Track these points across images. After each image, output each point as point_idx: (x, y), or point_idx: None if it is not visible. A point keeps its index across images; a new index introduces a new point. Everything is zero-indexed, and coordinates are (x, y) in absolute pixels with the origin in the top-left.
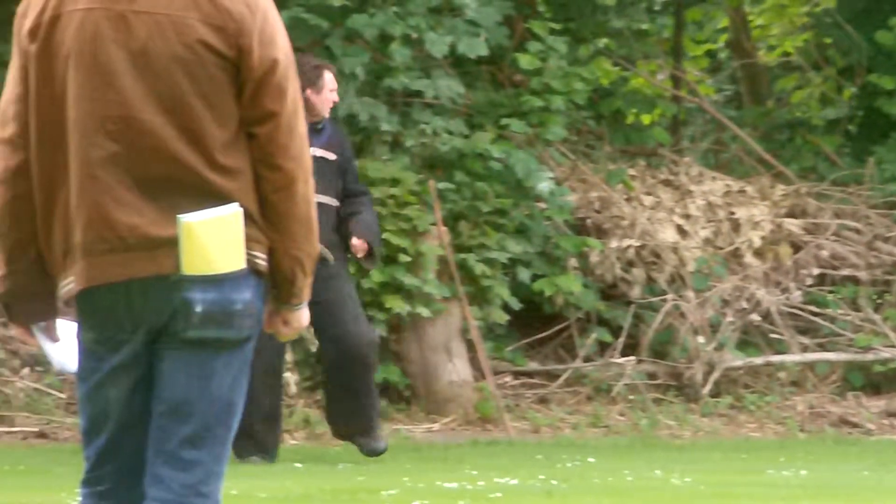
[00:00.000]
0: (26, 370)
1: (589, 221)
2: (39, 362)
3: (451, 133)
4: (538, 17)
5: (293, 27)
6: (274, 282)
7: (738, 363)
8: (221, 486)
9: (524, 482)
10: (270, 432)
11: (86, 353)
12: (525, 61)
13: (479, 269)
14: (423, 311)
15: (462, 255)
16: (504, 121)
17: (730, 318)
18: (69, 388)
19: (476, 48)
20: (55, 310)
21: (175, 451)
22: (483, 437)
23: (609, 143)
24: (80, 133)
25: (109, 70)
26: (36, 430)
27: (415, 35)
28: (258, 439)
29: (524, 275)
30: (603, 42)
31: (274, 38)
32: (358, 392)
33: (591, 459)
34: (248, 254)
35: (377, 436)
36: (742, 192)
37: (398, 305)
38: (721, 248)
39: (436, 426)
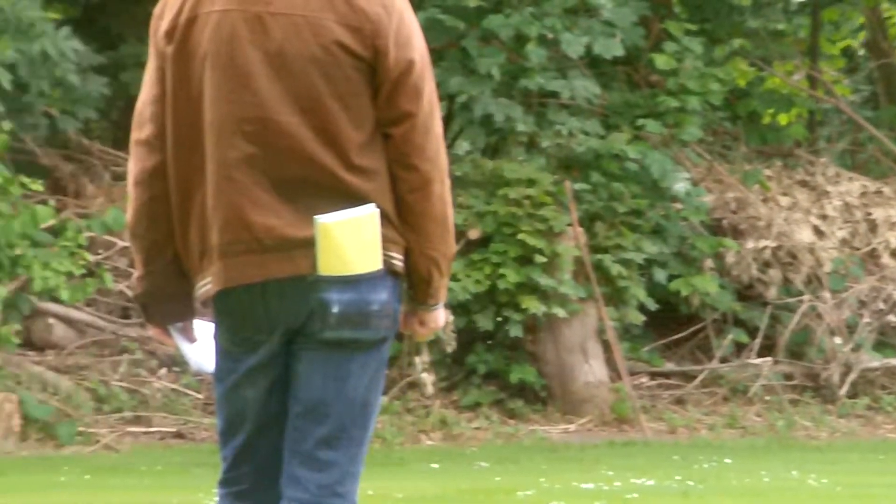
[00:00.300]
0: (164, 371)
1: (725, 222)
2: (177, 363)
3: (587, 134)
4: (674, 17)
5: (429, 28)
6: (410, 282)
7: (875, 364)
8: (357, 486)
9: (660, 483)
10: None
11: (223, 353)
12: (661, 62)
13: (616, 269)
14: (560, 312)
15: (598, 256)
16: (640, 121)
17: (866, 319)
18: (206, 388)
19: (612, 49)
20: (192, 311)
21: (311, 452)
22: (619, 438)
23: (745, 143)
24: (217, 135)
25: (246, 72)
26: (173, 430)
27: (550, 35)
28: None
29: (660, 275)
30: (739, 42)
31: (410, 39)
32: None
33: (727, 460)
34: (385, 254)
35: None
36: (879, 192)
37: (534, 306)
38: (858, 249)
39: (572, 427)
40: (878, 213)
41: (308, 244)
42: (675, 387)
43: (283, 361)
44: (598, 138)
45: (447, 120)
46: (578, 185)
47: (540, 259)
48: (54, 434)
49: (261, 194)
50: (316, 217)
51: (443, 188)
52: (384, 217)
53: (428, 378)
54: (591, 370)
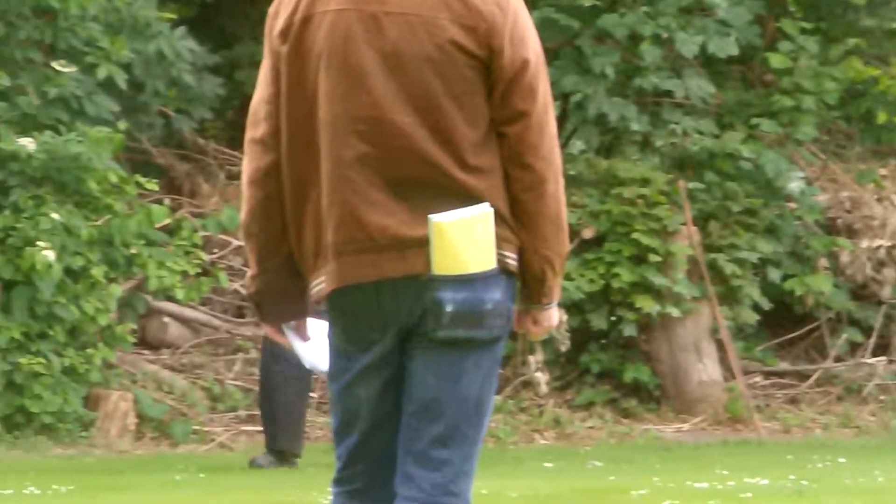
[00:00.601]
0: None
1: (839, 221)
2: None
3: (701, 133)
4: (789, 16)
5: (544, 27)
6: (524, 281)
7: None
8: (471, 485)
9: (774, 482)
10: (295, 437)
11: (336, 353)
12: (776, 61)
13: (730, 268)
14: (673, 311)
15: (712, 255)
16: (754, 120)
17: None
18: (320, 387)
19: (726, 48)
20: (306, 309)
21: (425, 451)
22: (733, 437)
23: (859, 142)
24: (332, 134)
25: (361, 71)
26: None
27: (665, 35)
28: (278, 445)
29: (774, 274)
30: (854, 41)
31: (525, 38)
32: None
33: (841, 460)
34: (499, 253)
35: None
36: None
37: (648, 305)
38: None
39: (685, 426)
40: None
41: (422, 243)
42: (788, 386)
43: (397, 360)
44: (713, 137)
45: (561, 119)
46: (692, 185)
47: (654, 258)
48: (169, 433)
49: (375, 194)
50: (430, 216)
51: (557, 187)
52: (498, 216)
53: (542, 377)
54: (705, 369)
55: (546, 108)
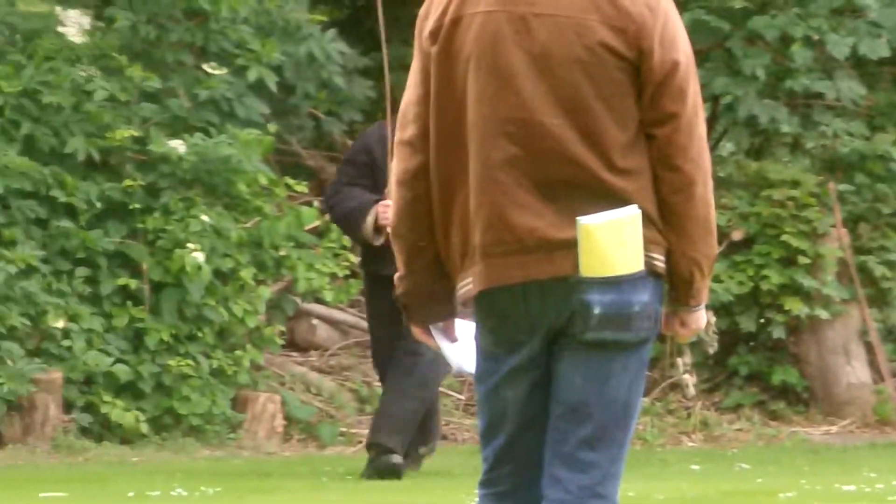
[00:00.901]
0: None
1: None
2: None
3: (851, 135)
4: None
5: (694, 29)
6: (671, 283)
7: None
8: (618, 487)
9: None
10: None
11: (484, 354)
12: None
13: (880, 271)
14: (822, 314)
15: (862, 258)
16: None
17: None
18: (468, 389)
19: (878, 49)
20: (453, 310)
21: (573, 453)
22: (881, 440)
23: None
24: (481, 135)
25: (510, 73)
26: None
27: (816, 36)
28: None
29: None
30: None
31: (675, 39)
32: (401, 398)
33: None
34: (647, 255)
35: (396, 455)
36: None
37: (797, 307)
38: None
39: (834, 428)
40: None
41: (570, 245)
42: None
43: (544, 362)
44: (863, 139)
45: (711, 121)
46: (842, 187)
47: (803, 260)
48: (316, 435)
49: (523, 195)
50: (578, 218)
51: (705, 189)
52: (646, 218)
53: (690, 380)
54: (854, 372)
55: (696, 110)
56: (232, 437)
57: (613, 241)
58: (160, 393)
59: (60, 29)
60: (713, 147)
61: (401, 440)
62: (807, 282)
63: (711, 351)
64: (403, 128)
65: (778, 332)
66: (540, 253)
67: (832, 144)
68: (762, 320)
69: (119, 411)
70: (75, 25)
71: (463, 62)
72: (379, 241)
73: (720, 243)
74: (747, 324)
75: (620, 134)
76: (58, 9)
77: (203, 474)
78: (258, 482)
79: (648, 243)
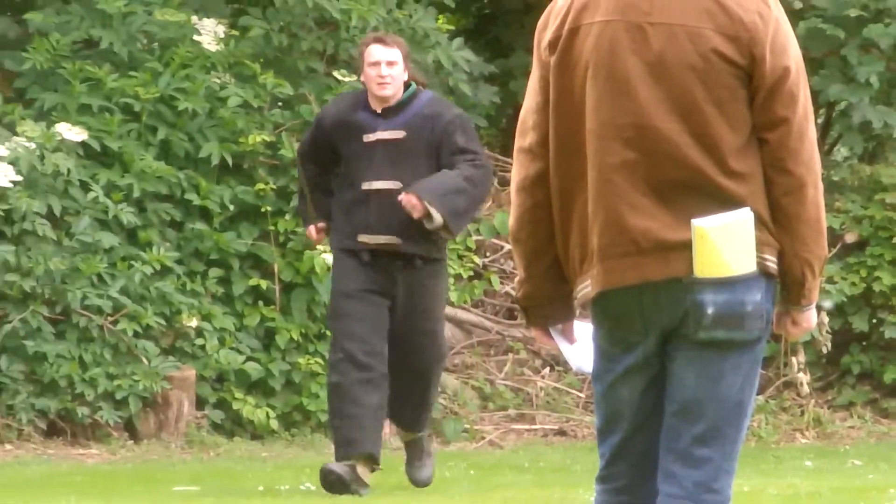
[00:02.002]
0: (547, 370)
1: None
2: (559, 362)
3: None
4: None
5: (810, 37)
6: (783, 283)
7: None
8: (731, 483)
9: None
10: (364, 429)
11: (601, 354)
12: None
13: None
14: None
15: None
16: None
17: None
18: (588, 387)
19: None
20: (571, 312)
21: (687, 450)
22: None
23: None
24: (598, 141)
25: (626, 79)
26: (555, 427)
27: None
28: (352, 437)
29: None
30: None
31: (786, 46)
32: (410, 405)
33: None
34: (759, 257)
35: (422, 463)
36: None
37: None
38: None
39: None
40: None
41: (684, 247)
42: None
43: (659, 362)
44: None
45: (826, 127)
46: None
47: None
48: (441, 431)
49: (638, 198)
50: (693, 221)
51: (816, 192)
52: (758, 220)
53: (803, 378)
54: None
55: (806, 115)
56: None
57: (727, 243)
58: (290, 390)
59: (196, 38)
60: (828, 152)
61: (427, 420)
62: None
63: (825, 350)
64: (523, 135)
65: (890, 332)
66: (655, 254)
67: None
68: (874, 320)
69: (250, 408)
70: (210, 34)
71: (581, 70)
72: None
73: (834, 246)
74: (860, 324)
75: (733, 138)
76: (194, 18)
77: None
78: (383, 477)
79: (761, 245)
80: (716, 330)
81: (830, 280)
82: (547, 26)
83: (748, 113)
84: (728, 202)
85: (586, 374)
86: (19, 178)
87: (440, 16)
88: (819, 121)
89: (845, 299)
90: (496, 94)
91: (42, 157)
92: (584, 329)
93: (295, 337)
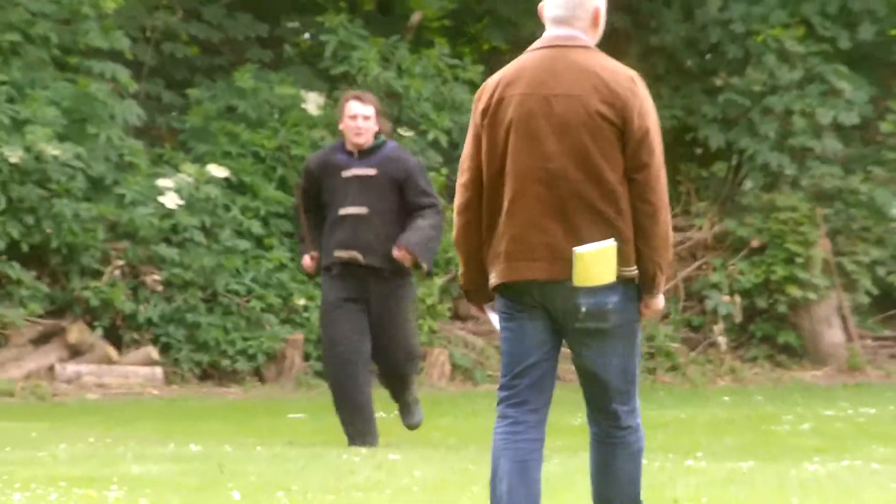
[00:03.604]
0: None
1: None
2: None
3: (832, 175)
4: (893, 97)
5: (727, 105)
6: (641, 279)
7: None
8: (639, 417)
9: (881, 410)
10: (361, 420)
11: (502, 313)
12: (886, 126)
13: (850, 267)
14: (812, 296)
15: (838, 258)
16: (869, 167)
17: None
18: None
19: (850, 118)
20: (491, 294)
21: (596, 403)
22: (851, 381)
23: None
24: (517, 179)
25: (538, 135)
26: None
27: (809, 110)
28: (354, 429)
29: (881, 271)
30: None
31: (648, 114)
32: (394, 387)
33: None
34: (620, 269)
35: (411, 413)
36: None
37: (795, 291)
38: None
39: (819, 373)
40: None
41: (567, 259)
42: (889, 346)
43: (549, 322)
44: (840, 179)
45: (738, 167)
46: (826, 211)
47: (799, 260)
48: (472, 377)
49: (542, 220)
50: (574, 248)
51: (666, 216)
52: (625, 237)
53: (722, 340)
54: (833, 335)
55: (661, 163)
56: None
57: (596, 264)
58: None
59: (303, 105)
60: (739, 184)
61: (410, 392)
62: (801, 274)
63: (737, 321)
64: (461, 174)
65: (782, 308)
66: (546, 261)
67: (819, 182)
68: (771, 300)
69: None
70: (313, 103)
71: (504, 128)
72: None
73: (744, 249)
74: (761, 302)
75: (613, 176)
76: (302, 91)
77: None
78: (433, 407)
79: (625, 258)
80: (587, 322)
81: (741, 272)
82: (481, 98)
83: (622, 159)
84: (606, 223)
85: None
86: (182, 202)
87: (473, 92)
88: (733, 163)
89: (751, 286)
90: None
91: (197, 188)
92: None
93: None
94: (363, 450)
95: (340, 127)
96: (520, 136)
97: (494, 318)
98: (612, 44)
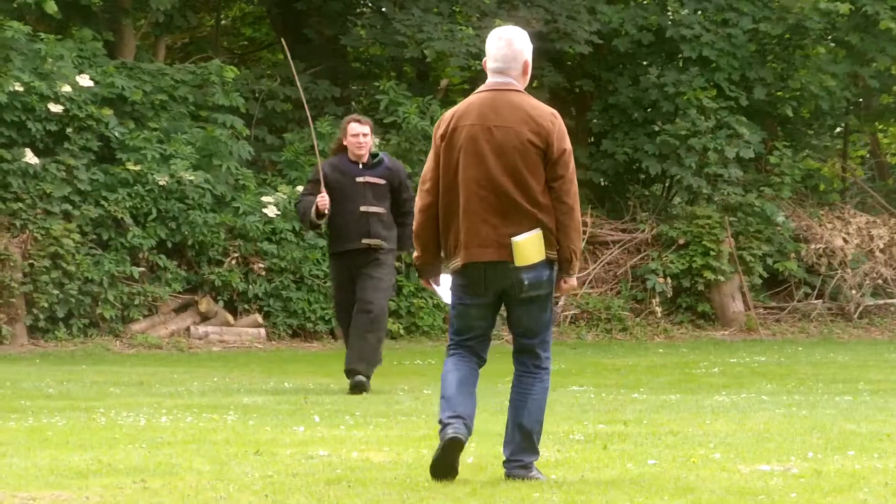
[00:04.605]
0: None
1: (800, 235)
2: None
3: (736, 193)
4: (780, 139)
5: (662, 144)
6: (559, 262)
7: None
8: (550, 357)
9: (769, 359)
10: (359, 352)
11: (458, 294)
12: (772, 160)
13: (748, 257)
14: (721, 278)
15: (740, 251)
16: (762, 188)
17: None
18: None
19: (748, 153)
20: (440, 272)
21: (526, 349)
22: (748, 339)
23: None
24: (466, 187)
25: (482, 156)
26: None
27: (719, 148)
28: (353, 356)
29: (769, 261)
30: (806, 151)
31: (564, 138)
32: (364, 340)
33: (800, 348)
34: (548, 252)
35: (363, 377)
36: None
37: (709, 274)
38: None
39: (726, 332)
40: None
41: (508, 246)
42: (775, 314)
43: (495, 304)
44: (741, 196)
45: (670, 187)
46: (731, 218)
47: (713, 253)
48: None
49: (488, 217)
50: (512, 238)
51: (578, 213)
52: (549, 230)
53: (658, 309)
54: (736, 305)
55: (573, 173)
56: None
57: (529, 247)
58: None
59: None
60: (669, 199)
61: (366, 366)
62: (714, 263)
63: (669, 295)
64: (423, 183)
65: (700, 287)
66: (493, 247)
67: (727, 198)
68: (693, 282)
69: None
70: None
71: (457, 150)
72: (320, 221)
73: (672, 245)
74: (685, 283)
75: (537, 186)
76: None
77: None
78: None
79: (549, 245)
80: (530, 292)
81: (671, 261)
82: (440, 127)
83: (543, 173)
84: (534, 220)
85: (447, 304)
86: (279, 212)
87: None
88: (666, 185)
89: (679, 271)
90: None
91: (290, 203)
92: (446, 279)
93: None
94: (405, 386)
95: (344, 142)
96: (468, 155)
97: (439, 290)
98: (580, 101)
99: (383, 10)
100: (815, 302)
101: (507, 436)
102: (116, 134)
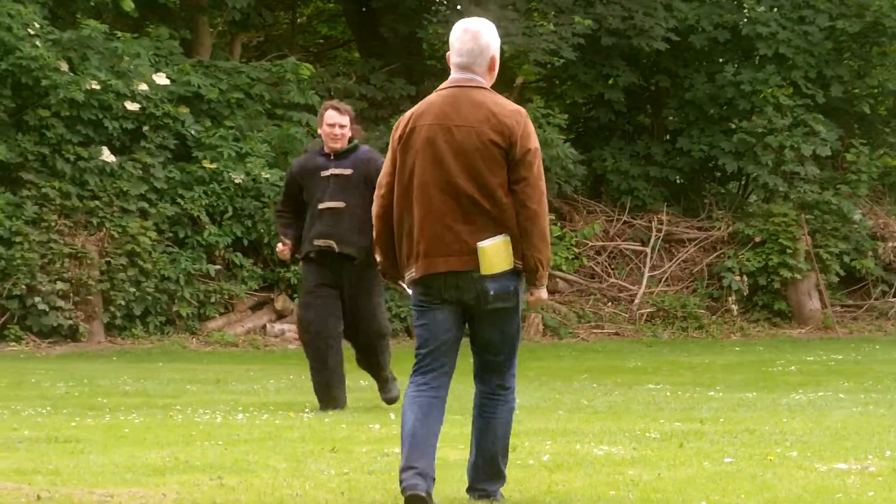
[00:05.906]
0: (610, 304)
1: (878, 233)
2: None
3: (812, 191)
4: (856, 136)
5: (740, 143)
6: (525, 273)
7: None
8: (515, 379)
9: (845, 357)
10: (338, 387)
11: (417, 304)
12: (849, 157)
13: (825, 255)
14: (798, 276)
15: (816, 249)
16: (839, 186)
17: None
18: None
19: (825, 151)
20: (402, 277)
21: (489, 366)
22: (825, 336)
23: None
24: (422, 190)
25: (441, 157)
26: (612, 330)
27: (796, 145)
28: (328, 396)
29: (847, 258)
30: (883, 149)
31: (529, 138)
32: (370, 365)
33: (877, 347)
34: (515, 262)
35: (388, 389)
36: None
37: (786, 272)
38: None
39: (803, 331)
40: None
41: (473, 252)
42: (853, 312)
43: (455, 316)
44: (817, 194)
45: (746, 185)
46: (808, 216)
47: (789, 251)
48: (558, 333)
49: (448, 222)
50: (478, 243)
51: (544, 220)
52: (513, 237)
53: (735, 307)
54: (812, 303)
55: (539, 174)
56: None
57: (496, 254)
58: None
59: None
60: (746, 197)
61: (385, 367)
62: (790, 261)
63: (745, 294)
64: (379, 188)
65: (776, 285)
66: (455, 256)
67: (803, 196)
68: (769, 279)
69: None
70: None
71: (414, 151)
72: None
73: (749, 243)
74: (762, 281)
75: (499, 189)
76: None
77: None
78: (528, 354)
79: (514, 253)
80: (496, 303)
81: (747, 259)
82: (398, 128)
83: (506, 175)
84: (497, 223)
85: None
86: None
87: (561, 133)
88: (742, 182)
89: (755, 269)
90: (585, 170)
91: None
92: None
93: None
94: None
95: (319, 132)
96: (427, 156)
97: (410, 290)
98: (655, 98)
99: (458, 7)
100: (893, 300)
101: (471, 461)
102: (192, 132)
